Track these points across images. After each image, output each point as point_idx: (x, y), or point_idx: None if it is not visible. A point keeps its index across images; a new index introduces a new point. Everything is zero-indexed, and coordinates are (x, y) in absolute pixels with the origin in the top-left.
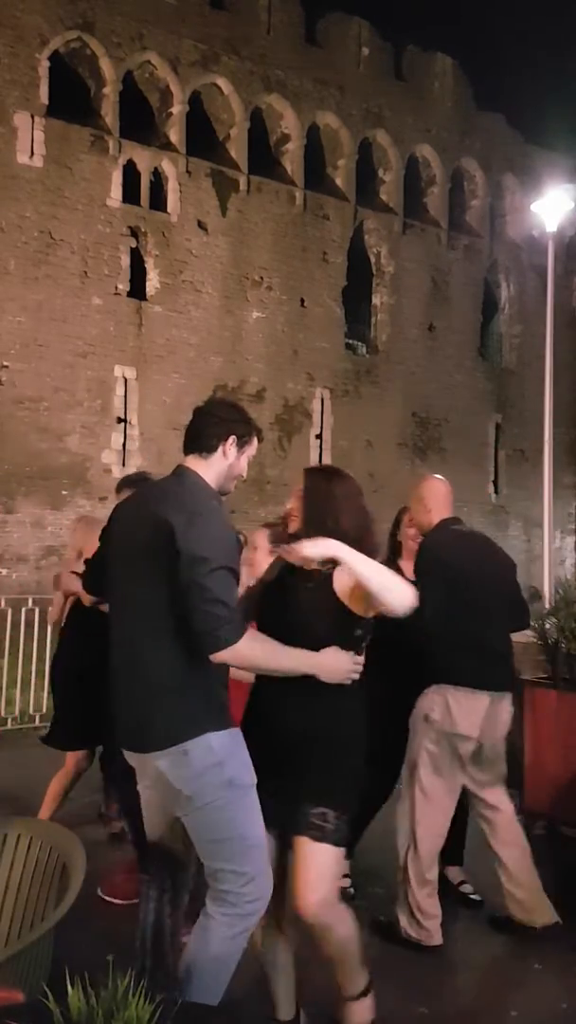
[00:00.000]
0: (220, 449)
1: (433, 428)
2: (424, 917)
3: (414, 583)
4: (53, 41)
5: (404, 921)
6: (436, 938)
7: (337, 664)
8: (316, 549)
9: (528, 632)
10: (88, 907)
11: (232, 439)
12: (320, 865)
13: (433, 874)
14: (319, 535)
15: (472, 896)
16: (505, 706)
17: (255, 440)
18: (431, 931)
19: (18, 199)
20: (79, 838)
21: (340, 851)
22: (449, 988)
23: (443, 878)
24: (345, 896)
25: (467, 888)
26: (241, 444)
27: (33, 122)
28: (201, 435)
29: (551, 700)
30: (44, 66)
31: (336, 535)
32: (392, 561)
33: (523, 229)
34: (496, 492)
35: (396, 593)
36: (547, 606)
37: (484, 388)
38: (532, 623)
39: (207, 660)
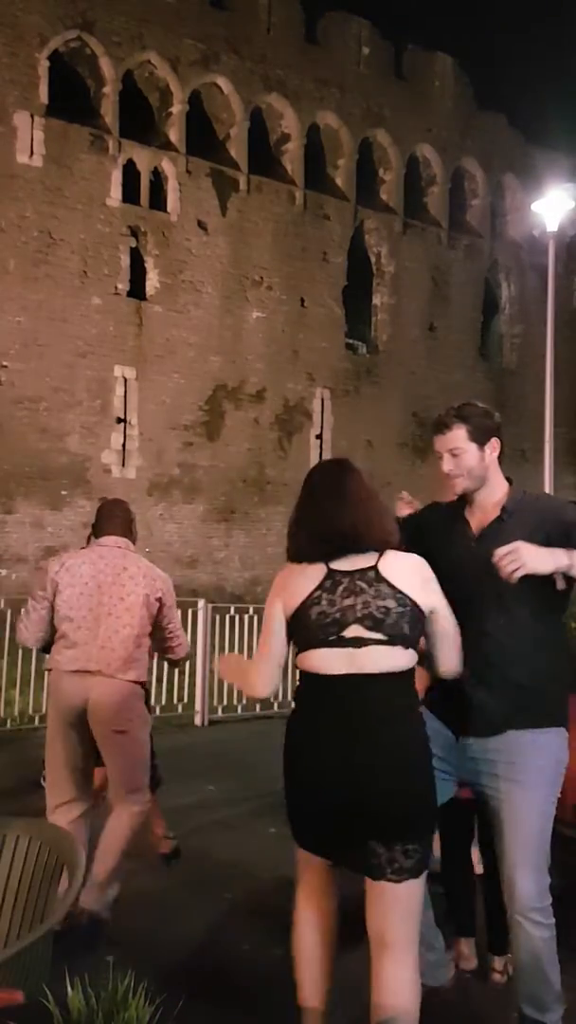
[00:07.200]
0: None
1: None
2: None
3: None
4: (53, 40)
5: None
6: None
7: None
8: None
9: None
10: None
11: None
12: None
13: None
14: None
15: None
16: None
17: None
18: None
19: (18, 199)
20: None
21: None
22: (448, 988)
23: None
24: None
25: None
26: None
27: (33, 122)
28: None
29: None
30: (44, 66)
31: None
32: None
33: (524, 229)
34: None
35: None
36: None
37: (484, 388)
38: None
39: None
